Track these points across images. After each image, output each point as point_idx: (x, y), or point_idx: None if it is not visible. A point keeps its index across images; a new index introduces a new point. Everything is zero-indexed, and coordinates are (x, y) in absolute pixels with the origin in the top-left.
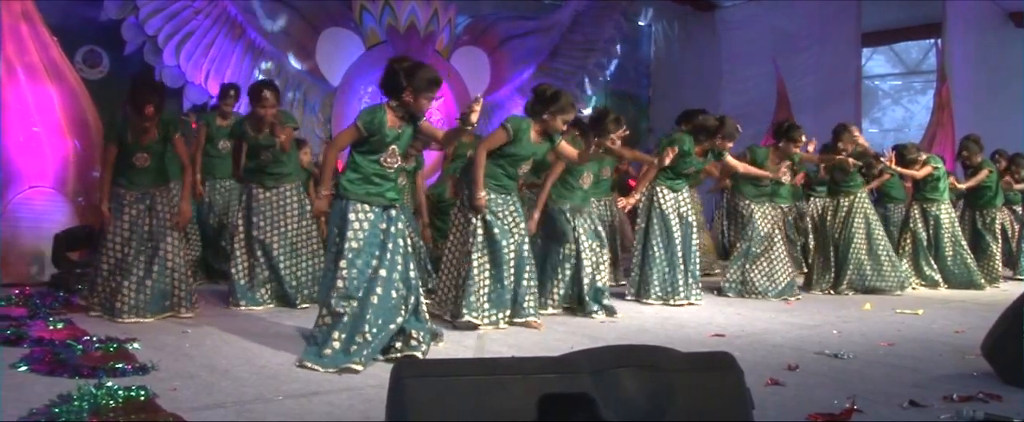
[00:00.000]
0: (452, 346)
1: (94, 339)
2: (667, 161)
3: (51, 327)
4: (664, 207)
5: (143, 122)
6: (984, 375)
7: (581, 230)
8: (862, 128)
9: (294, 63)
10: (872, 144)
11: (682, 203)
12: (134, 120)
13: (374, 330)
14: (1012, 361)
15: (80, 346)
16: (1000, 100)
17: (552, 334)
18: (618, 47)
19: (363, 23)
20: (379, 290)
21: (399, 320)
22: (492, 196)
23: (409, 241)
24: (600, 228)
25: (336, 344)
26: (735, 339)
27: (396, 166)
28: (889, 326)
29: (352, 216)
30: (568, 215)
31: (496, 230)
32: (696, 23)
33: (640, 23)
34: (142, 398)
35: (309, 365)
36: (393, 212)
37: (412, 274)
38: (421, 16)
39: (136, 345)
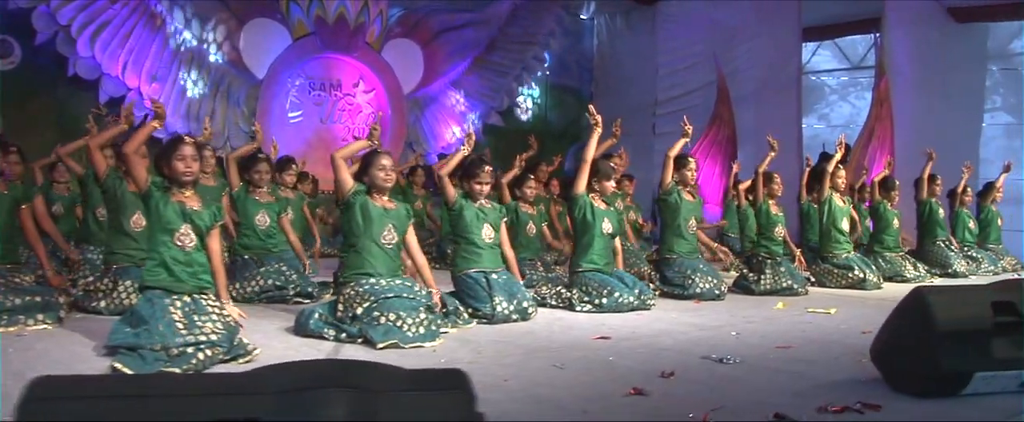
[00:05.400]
0: (307, 349)
1: None
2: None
3: None
4: None
5: None
6: (874, 381)
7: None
8: (805, 123)
9: (217, 55)
10: (819, 140)
11: None
12: None
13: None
14: (899, 367)
15: None
16: (939, 95)
17: None
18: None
19: (290, 14)
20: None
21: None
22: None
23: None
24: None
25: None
26: (621, 341)
27: (193, 247)
28: (794, 327)
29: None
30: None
31: None
32: (639, 17)
33: (582, 17)
34: None
35: (118, 367)
36: (203, 301)
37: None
38: (351, 7)
39: None
